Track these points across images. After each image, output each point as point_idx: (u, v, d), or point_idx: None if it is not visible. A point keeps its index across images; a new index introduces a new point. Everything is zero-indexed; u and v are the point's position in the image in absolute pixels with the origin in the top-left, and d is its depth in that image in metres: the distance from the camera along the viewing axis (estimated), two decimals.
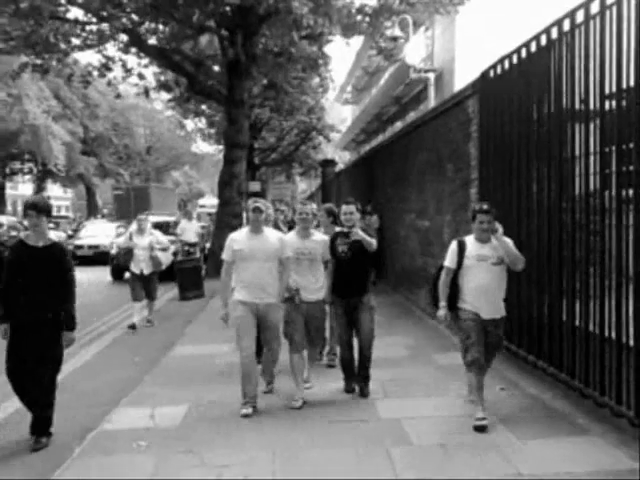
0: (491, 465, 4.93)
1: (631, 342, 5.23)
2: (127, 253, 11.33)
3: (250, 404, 6.26)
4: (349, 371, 6.93)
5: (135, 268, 11.23)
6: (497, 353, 6.36)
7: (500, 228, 5.89)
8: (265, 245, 6.31)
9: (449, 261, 6.03)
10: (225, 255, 6.43)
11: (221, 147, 29.31)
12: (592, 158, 5.84)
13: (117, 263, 13.68)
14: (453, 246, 6.07)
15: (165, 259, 11.74)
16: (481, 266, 5.87)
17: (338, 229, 6.99)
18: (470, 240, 6.02)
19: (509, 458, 5.00)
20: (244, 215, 16.66)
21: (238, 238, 6.41)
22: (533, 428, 5.65)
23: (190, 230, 17.28)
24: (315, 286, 6.62)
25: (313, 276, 6.62)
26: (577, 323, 6.11)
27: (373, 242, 6.64)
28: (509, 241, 5.99)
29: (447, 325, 6.54)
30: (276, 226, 9.33)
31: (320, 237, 6.75)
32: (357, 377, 6.86)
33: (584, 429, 5.61)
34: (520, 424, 5.73)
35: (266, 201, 6.70)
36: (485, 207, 5.90)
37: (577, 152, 6.09)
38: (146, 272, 11.20)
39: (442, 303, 6.04)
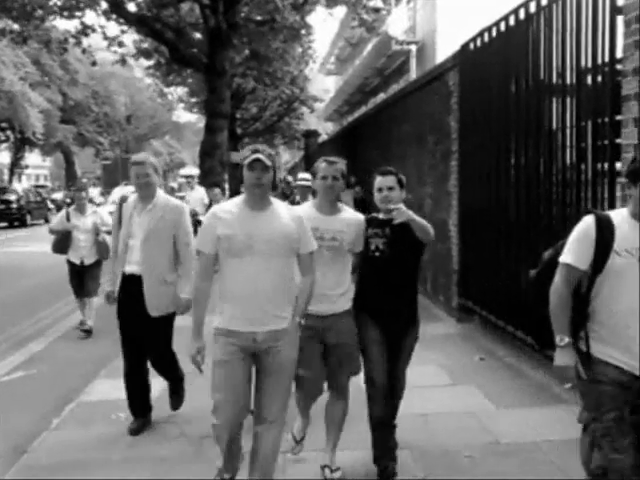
0: (470, 433, 5.03)
1: None
2: (63, 238, 8.78)
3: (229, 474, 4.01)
4: (385, 439, 4.38)
5: (73, 256, 8.81)
6: None
7: None
8: (273, 228, 3.72)
9: (576, 256, 3.17)
10: (201, 244, 3.82)
11: (202, 116, 29.13)
12: (568, 132, 5.89)
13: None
14: (587, 226, 3.17)
15: None
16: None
17: (373, 214, 4.52)
18: (621, 217, 3.18)
19: (488, 426, 5.10)
20: (226, 187, 16.21)
21: (225, 215, 3.76)
22: (511, 397, 5.77)
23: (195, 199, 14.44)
24: (338, 291, 4.24)
25: (336, 275, 4.24)
26: None
27: (429, 227, 4.23)
28: None
29: (573, 385, 3.37)
30: None
31: (353, 215, 4.42)
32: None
33: (561, 398, 5.71)
34: (499, 393, 5.84)
35: (271, 150, 3.97)
36: None
37: (554, 126, 6.14)
38: (87, 262, 8.78)
39: (564, 339, 3.18)
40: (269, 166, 3.70)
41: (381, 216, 4.36)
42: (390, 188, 4.30)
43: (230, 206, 3.86)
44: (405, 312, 4.39)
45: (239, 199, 3.87)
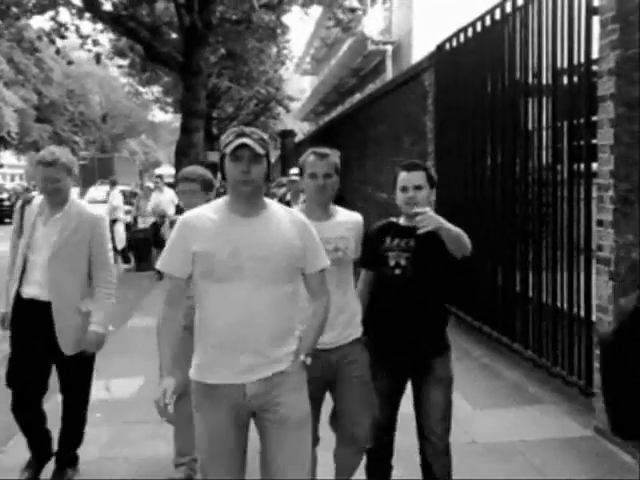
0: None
1: (582, 313, 5.35)
2: None
3: None
4: (380, 470, 3.74)
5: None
6: None
7: None
8: (269, 240, 2.74)
9: None
10: (168, 264, 2.83)
11: (178, 115, 29.04)
12: (544, 132, 5.92)
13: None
14: None
15: None
16: None
17: (392, 219, 3.69)
18: None
19: (464, 427, 5.09)
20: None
21: (202, 224, 2.76)
22: (488, 397, 5.78)
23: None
24: (346, 314, 3.36)
25: (343, 294, 3.35)
26: (530, 294, 6.22)
27: (465, 237, 3.35)
28: None
29: None
30: None
31: (350, 216, 3.59)
32: None
33: (537, 398, 5.75)
34: (475, 393, 5.84)
35: (263, 133, 2.91)
36: None
37: (530, 126, 6.17)
38: None
39: None
40: (261, 155, 2.73)
41: (402, 222, 3.54)
42: (417, 187, 3.45)
43: (208, 211, 2.81)
44: (429, 343, 3.49)
45: (221, 202, 2.86)
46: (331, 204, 3.52)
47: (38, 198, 4.25)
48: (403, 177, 3.50)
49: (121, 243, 15.19)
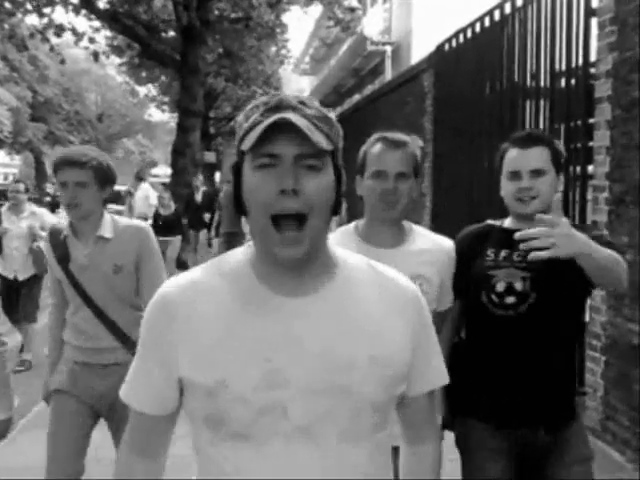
0: (445, 443, 5.03)
1: None
2: None
3: None
4: None
5: (5, 269, 6.73)
6: None
7: None
8: (346, 349, 1.24)
9: None
10: (129, 391, 1.38)
11: (175, 115, 28.99)
12: None
13: None
14: None
15: None
16: None
17: (490, 221, 2.56)
18: None
19: None
20: (197, 188, 15.65)
21: (198, 311, 1.26)
22: None
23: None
24: None
25: None
26: None
27: (620, 262, 1.99)
28: None
29: None
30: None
31: (435, 242, 2.38)
32: None
33: None
34: None
35: (325, 108, 1.31)
36: None
37: (528, 128, 6.16)
38: (21, 276, 6.74)
39: None
40: (324, 151, 1.24)
41: (508, 224, 2.36)
42: (536, 172, 2.18)
43: (214, 278, 1.33)
44: (561, 409, 2.28)
45: (240, 258, 1.36)
46: (405, 221, 2.34)
47: None
48: (514, 157, 2.25)
49: None
